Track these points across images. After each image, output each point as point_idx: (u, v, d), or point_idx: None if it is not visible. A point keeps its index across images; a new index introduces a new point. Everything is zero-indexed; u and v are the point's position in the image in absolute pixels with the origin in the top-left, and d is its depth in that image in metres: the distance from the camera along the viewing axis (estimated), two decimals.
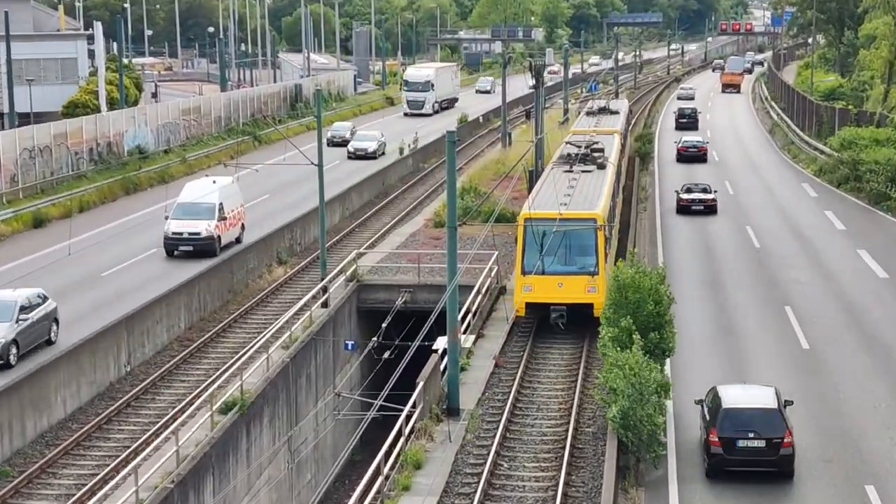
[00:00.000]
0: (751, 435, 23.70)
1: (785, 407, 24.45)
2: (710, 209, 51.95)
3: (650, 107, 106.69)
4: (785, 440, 23.71)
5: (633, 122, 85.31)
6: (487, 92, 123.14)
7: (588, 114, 63.26)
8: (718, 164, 68.65)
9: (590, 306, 34.00)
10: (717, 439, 23.83)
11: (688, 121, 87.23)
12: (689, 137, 72.75)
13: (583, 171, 41.30)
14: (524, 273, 34.56)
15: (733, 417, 23.91)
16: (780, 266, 42.33)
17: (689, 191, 53.20)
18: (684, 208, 52.36)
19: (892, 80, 79.08)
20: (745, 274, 41.25)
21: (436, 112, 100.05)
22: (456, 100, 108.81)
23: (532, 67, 54.60)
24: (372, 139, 73.68)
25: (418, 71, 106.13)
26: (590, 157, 43.66)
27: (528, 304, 35.00)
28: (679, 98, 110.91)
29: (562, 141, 50.26)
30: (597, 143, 46.53)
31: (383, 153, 72.84)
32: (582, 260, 34.79)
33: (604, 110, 63.43)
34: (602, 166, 42.62)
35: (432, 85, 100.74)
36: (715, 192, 53.39)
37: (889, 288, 38.99)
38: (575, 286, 34.36)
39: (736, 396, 24.72)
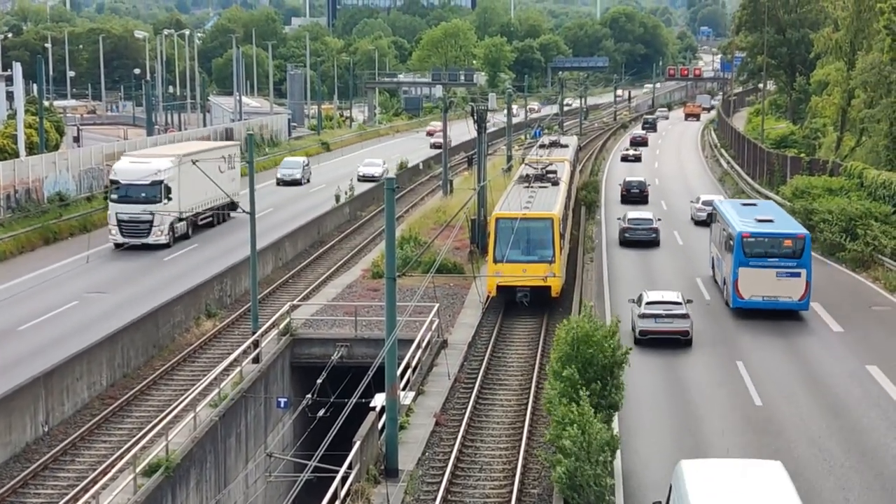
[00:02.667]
0: None
1: None
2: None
3: (596, 154, 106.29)
4: None
5: (581, 162, 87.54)
6: (297, 182, 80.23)
7: (541, 146, 71.03)
8: (666, 213, 68.31)
9: (548, 288, 42.68)
10: None
11: (649, 126, 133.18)
12: (638, 132, 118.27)
13: (540, 187, 49.85)
14: (495, 261, 42.90)
15: None
16: (731, 320, 41.57)
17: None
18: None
19: (845, 127, 79.50)
20: (695, 326, 40.24)
21: (181, 237, 57.32)
22: (234, 206, 59.52)
23: (474, 112, 54.73)
24: None
25: (138, 164, 56.48)
26: (545, 176, 52.04)
27: (498, 287, 43.03)
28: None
29: (521, 165, 58.61)
30: (551, 165, 54.88)
31: None
32: (541, 251, 43.24)
33: (555, 144, 71.74)
34: (556, 183, 51.32)
35: (167, 189, 55.70)
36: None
37: (843, 342, 38.39)
38: (536, 272, 42.65)
39: None
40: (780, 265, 40.82)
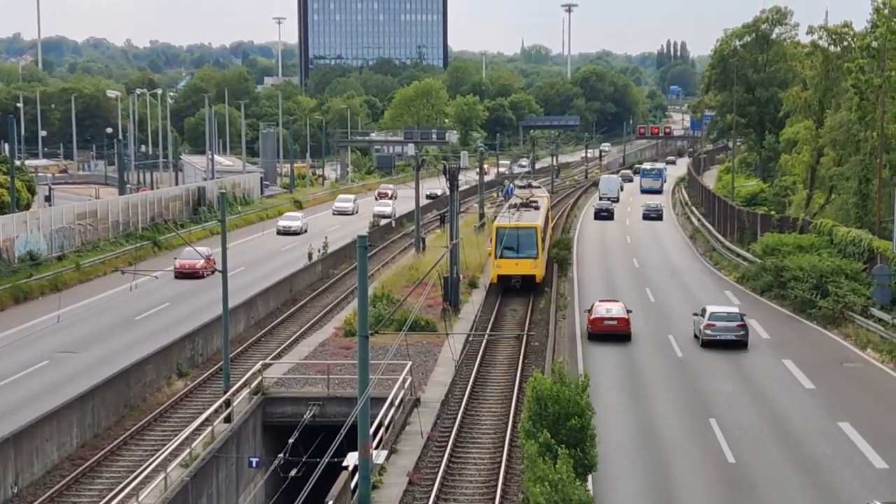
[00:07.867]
0: None
1: None
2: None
3: (568, 212, 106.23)
4: None
5: (553, 220, 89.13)
6: None
7: (520, 188, 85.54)
8: (639, 269, 68.58)
9: (533, 276, 59.91)
10: None
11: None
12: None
13: (525, 210, 66.42)
14: (496, 258, 59.69)
15: None
16: (703, 376, 41.71)
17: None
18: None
19: (815, 185, 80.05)
20: (668, 384, 40.53)
21: None
22: None
23: (447, 171, 56.46)
24: None
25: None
26: (529, 203, 68.62)
27: (498, 276, 60.01)
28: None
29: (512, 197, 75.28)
30: (532, 197, 71.34)
31: None
32: (528, 250, 59.78)
33: (531, 186, 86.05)
34: (537, 208, 68.13)
35: None
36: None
37: (815, 399, 38.45)
38: (525, 265, 59.87)
39: None
40: (653, 177, 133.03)
